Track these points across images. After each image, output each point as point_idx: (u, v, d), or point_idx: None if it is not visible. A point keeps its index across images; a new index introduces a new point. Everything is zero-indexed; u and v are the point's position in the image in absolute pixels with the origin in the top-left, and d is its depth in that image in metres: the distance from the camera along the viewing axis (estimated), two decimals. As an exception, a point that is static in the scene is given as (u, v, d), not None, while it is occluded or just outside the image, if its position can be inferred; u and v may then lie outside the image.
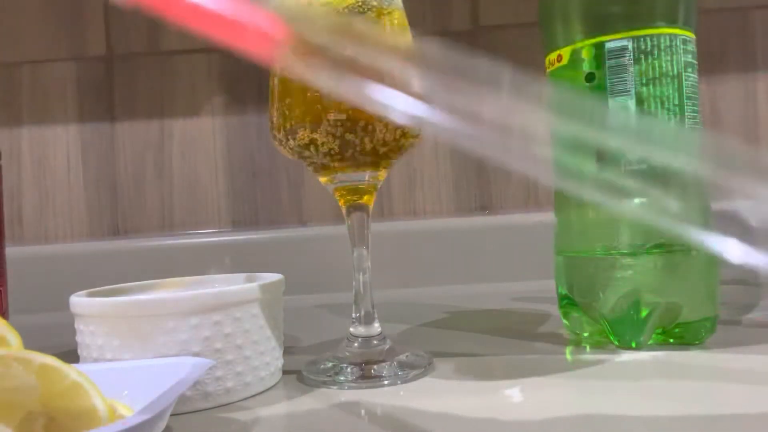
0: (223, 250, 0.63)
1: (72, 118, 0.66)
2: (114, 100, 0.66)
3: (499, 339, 0.37)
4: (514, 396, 0.27)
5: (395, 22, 0.31)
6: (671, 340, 0.33)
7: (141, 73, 0.66)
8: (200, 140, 0.66)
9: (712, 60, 0.64)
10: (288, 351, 0.33)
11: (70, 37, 0.66)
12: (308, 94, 0.29)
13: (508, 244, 0.61)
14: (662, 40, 0.32)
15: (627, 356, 0.31)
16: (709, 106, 0.64)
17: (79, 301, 0.28)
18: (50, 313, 0.58)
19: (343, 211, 0.33)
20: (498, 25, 0.65)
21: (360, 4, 0.29)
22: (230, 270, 0.62)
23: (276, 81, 0.31)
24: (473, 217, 0.64)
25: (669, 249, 0.32)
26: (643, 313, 0.32)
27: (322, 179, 0.32)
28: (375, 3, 0.30)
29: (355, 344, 0.32)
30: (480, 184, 0.65)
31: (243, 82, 0.66)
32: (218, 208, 0.66)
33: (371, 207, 0.33)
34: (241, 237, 0.64)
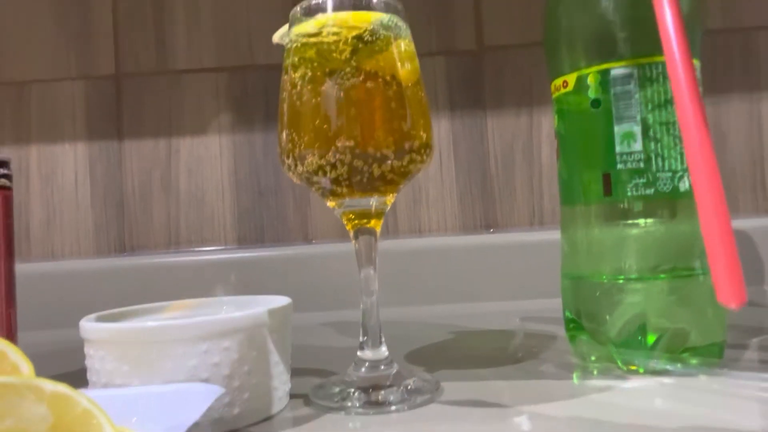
0: (228, 268, 0.63)
1: (80, 136, 0.67)
2: (122, 118, 0.67)
3: (506, 362, 0.37)
4: (523, 424, 0.27)
5: (402, 49, 0.31)
6: (679, 366, 0.33)
7: (149, 91, 0.67)
8: (207, 158, 0.67)
9: (716, 80, 0.64)
10: (295, 372, 0.33)
11: (80, 56, 0.67)
12: (317, 121, 0.30)
13: (513, 262, 0.61)
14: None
15: (634, 382, 0.31)
16: (714, 125, 0.64)
17: (88, 326, 0.28)
18: (57, 330, 0.58)
19: (351, 234, 0.33)
20: (502, 45, 0.65)
21: (368, 32, 0.30)
22: (236, 287, 0.62)
23: (285, 107, 0.31)
24: (478, 235, 0.65)
25: (676, 274, 0.32)
26: (651, 339, 0.32)
27: (330, 204, 0.33)
28: (383, 31, 0.30)
29: (363, 369, 0.32)
30: (485, 203, 0.65)
31: (250, 100, 0.67)
32: (224, 225, 0.67)
33: (379, 231, 0.33)
34: (246, 254, 0.64)
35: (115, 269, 0.64)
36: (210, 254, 0.65)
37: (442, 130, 0.66)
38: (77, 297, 0.62)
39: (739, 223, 0.60)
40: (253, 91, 0.67)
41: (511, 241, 0.63)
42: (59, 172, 0.67)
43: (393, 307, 0.58)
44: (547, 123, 0.65)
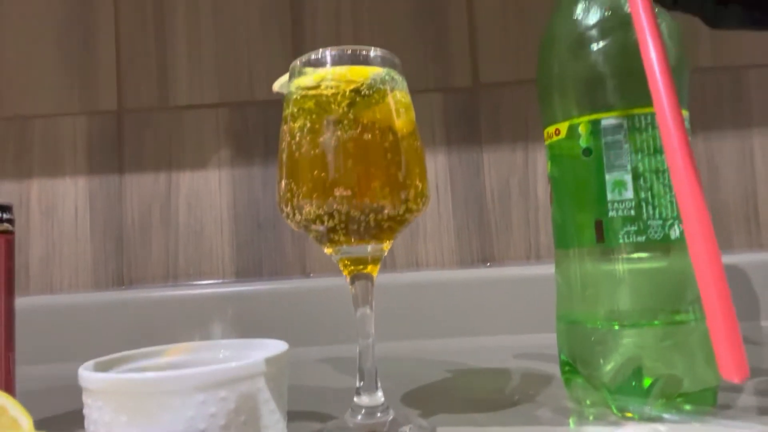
0: (226, 301, 0.63)
1: (81, 171, 0.68)
2: (123, 153, 0.68)
3: (503, 406, 0.37)
4: (517, 475, 0.27)
5: (398, 101, 0.32)
6: (673, 411, 0.33)
7: (150, 127, 0.68)
8: (206, 192, 0.67)
9: (708, 117, 0.66)
10: (291, 416, 0.33)
11: (82, 91, 0.68)
12: (315, 171, 0.30)
13: (509, 296, 0.62)
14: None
15: (629, 429, 0.31)
16: (706, 161, 0.65)
17: (87, 375, 0.29)
18: (55, 364, 0.58)
19: (347, 280, 0.34)
20: (497, 82, 0.67)
21: (366, 86, 0.31)
22: (233, 321, 0.62)
23: (284, 157, 0.32)
24: (475, 269, 0.65)
25: (669, 320, 0.32)
26: (645, 385, 0.32)
27: (327, 250, 0.33)
28: (380, 85, 0.31)
29: (359, 416, 0.32)
30: (482, 237, 0.66)
31: (249, 136, 0.68)
32: (222, 258, 0.67)
33: (375, 275, 0.34)
34: (244, 288, 0.64)
35: (113, 303, 0.64)
36: (208, 288, 0.65)
37: (438, 165, 0.67)
38: (76, 331, 0.62)
39: (733, 259, 0.61)
40: (253, 127, 0.68)
41: (507, 276, 0.63)
42: (60, 206, 0.67)
43: (390, 341, 0.58)
44: (542, 158, 0.66)
